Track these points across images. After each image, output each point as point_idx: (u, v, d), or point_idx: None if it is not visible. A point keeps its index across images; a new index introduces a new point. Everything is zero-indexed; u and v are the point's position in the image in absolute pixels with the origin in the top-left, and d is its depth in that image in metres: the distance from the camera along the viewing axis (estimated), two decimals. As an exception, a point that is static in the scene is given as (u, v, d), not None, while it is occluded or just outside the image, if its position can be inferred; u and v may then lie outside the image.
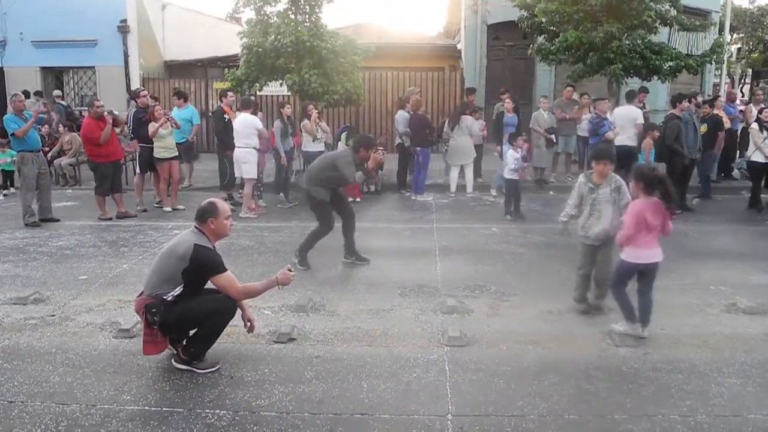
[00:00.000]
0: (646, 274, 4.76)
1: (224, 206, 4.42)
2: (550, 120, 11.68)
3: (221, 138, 10.22)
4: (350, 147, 7.05)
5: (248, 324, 4.49)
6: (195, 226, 4.33)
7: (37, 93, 15.68)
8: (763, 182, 9.87)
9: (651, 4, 11.49)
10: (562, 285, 5.99)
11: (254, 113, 9.81)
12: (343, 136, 11.51)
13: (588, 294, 5.42)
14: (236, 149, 9.36)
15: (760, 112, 10.02)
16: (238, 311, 4.39)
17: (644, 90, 11.60)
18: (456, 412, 3.71)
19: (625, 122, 10.06)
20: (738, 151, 12.37)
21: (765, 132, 9.51)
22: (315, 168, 6.88)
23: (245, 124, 9.36)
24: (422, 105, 11.33)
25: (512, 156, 9.15)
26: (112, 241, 8.01)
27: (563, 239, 7.95)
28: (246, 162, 9.30)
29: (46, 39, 16.96)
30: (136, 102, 10.51)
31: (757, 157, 9.58)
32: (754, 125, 9.76)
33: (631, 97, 10.73)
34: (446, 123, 11.43)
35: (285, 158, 10.27)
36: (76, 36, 16.89)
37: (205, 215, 4.29)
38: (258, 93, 13.20)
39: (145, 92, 10.72)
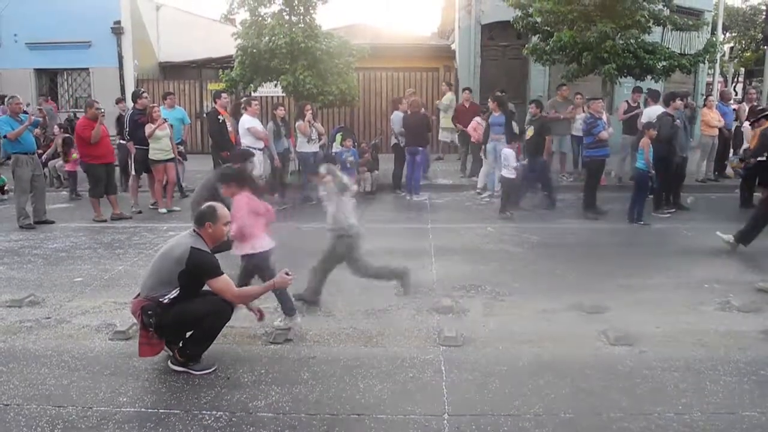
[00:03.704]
0: (268, 260, 4.96)
1: (224, 212, 4.38)
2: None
3: (216, 139, 10.26)
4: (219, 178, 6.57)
5: (258, 314, 4.57)
6: (193, 229, 4.32)
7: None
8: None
9: (644, 3, 11.51)
10: (557, 284, 6.02)
11: (250, 112, 9.89)
12: (338, 136, 11.50)
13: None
14: None
15: (752, 110, 10.07)
16: (235, 312, 4.39)
17: (638, 89, 11.68)
18: (452, 411, 3.72)
19: None
20: (732, 150, 12.43)
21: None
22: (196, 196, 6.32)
23: (239, 126, 9.82)
24: (421, 105, 11.28)
25: (510, 154, 9.17)
26: (107, 243, 7.99)
27: (558, 239, 8.06)
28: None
29: (40, 41, 16.93)
30: (134, 104, 10.50)
31: (750, 156, 9.64)
32: (746, 124, 9.81)
33: (656, 97, 10.62)
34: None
35: (278, 160, 10.29)
36: (70, 37, 16.85)
37: (204, 219, 4.28)
38: (252, 94, 13.20)
39: (146, 94, 10.73)
